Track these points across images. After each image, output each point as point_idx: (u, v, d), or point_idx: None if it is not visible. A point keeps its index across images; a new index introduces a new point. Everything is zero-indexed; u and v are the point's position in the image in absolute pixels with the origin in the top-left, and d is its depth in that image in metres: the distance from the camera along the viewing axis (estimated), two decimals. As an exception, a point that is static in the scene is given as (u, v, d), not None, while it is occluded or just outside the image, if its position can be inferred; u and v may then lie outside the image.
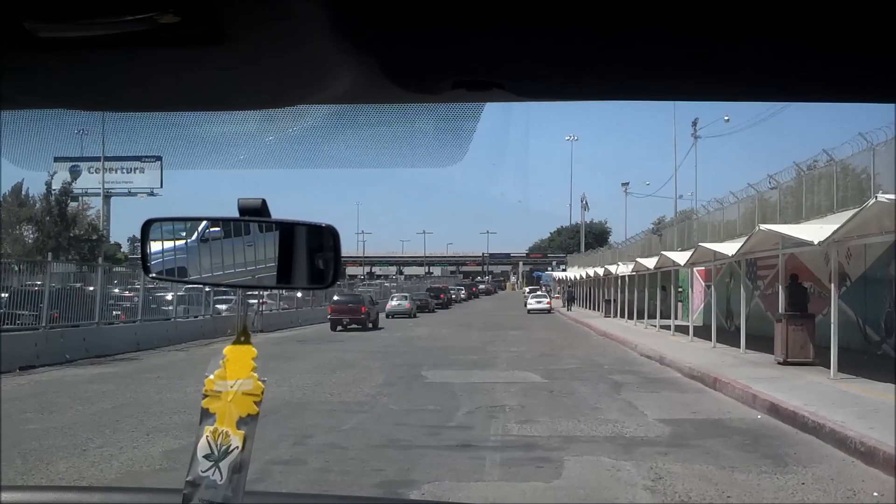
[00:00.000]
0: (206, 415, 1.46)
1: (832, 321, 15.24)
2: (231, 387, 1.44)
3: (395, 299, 54.15)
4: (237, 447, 1.43)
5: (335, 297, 40.66)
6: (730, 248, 23.64)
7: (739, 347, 21.43)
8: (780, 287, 21.47)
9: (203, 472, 1.43)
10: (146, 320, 28.14)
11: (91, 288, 28.94)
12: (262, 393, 1.45)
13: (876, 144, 21.35)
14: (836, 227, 15.30)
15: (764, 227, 19.17)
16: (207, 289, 35.14)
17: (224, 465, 1.42)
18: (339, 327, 38.87)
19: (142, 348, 25.73)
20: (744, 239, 26.77)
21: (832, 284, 15.87)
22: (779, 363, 17.62)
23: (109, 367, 20.75)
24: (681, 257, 29.30)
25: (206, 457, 1.43)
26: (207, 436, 1.44)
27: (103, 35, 1.00)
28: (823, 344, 17.53)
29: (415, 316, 52.08)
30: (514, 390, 15.52)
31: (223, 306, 37.17)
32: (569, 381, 17.09)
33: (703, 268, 32.13)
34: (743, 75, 1.19)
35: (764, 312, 28.05)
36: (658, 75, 1.19)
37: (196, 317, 33.38)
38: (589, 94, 1.33)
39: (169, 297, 32.44)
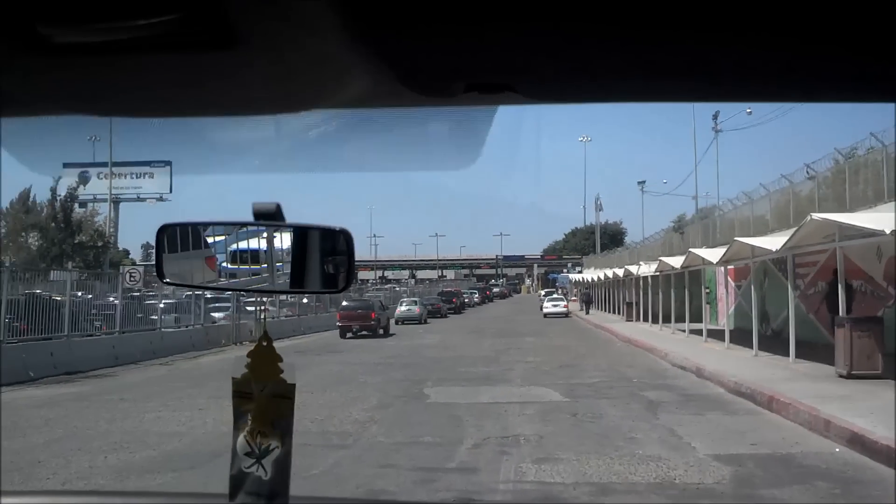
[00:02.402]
0: (239, 416, 1.45)
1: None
2: (261, 390, 1.43)
3: (404, 304, 51.35)
4: (277, 446, 1.42)
5: (343, 303, 38.64)
6: (771, 242, 21.08)
7: (786, 356, 18.84)
8: (838, 286, 19.04)
9: (246, 468, 1.42)
10: (125, 331, 25.69)
11: (89, 296, 26.91)
12: (294, 391, 1.44)
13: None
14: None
15: (817, 216, 16.59)
16: (209, 294, 33.03)
17: (267, 462, 1.42)
18: (349, 334, 36.70)
19: (121, 363, 23.35)
20: (783, 233, 24.37)
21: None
22: (841, 376, 15.03)
23: (73, 387, 18.38)
24: (712, 254, 26.72)
25: (248, 454, 1.43)
26: (245, 434, 1.43)
27: (116, 40, 0.99)
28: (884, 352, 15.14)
29: (425, 322, 49.49)
30: (530, 413, 13.08)
31: (219, 314, 34.83)
32: (594, 399, 14.63)
33: (732, 266, 29.55)
34: (760, 77, 1.19)
35: (805, 315, 25.48)
36: (668, 77, 1.19)
37: (187, 326, 30.97)
38: (601, 97, 1.30)
39: (161, 305, 30.13)
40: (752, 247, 21.62)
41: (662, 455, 9.54)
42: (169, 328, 29.50)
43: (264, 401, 1.43)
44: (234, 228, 1.64)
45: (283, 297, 34.48)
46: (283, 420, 1.43)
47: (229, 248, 1.63)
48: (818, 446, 10.03)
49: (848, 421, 10.34)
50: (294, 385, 1.43)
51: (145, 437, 11.57)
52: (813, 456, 9.45)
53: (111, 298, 27.51)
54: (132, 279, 27.47)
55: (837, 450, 9.73)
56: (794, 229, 18.18)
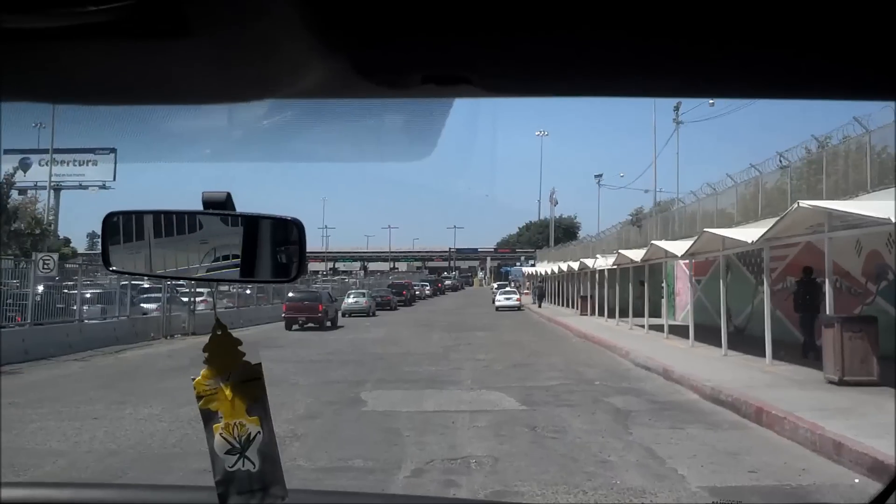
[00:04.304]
0: (209, 416, 1.38)
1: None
2: (226, 380, 1.37)
3: (351, 296, 49.76)
4: (258, 432, 1.36)
5: (290, 295, 37.16)
6: (742, 234, 19.45)
7: (758, 356, 17.33)
8: (807, 283, 17.77)
9: (231, 467, 1.35)
10: (39, 323, 23.32)
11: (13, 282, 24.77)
12: (261, 370, 1.39)
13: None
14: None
15: (805, 203, 14.89)
16: (147, 284, 31.00)
17: (252, 452, 1.35)
18: (295, 326, 35.63)
19: (31, 358, 20.96)
20: (749, 226, 22.88)
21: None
22: (832, 382, 13.36)
23: (-36, 387, 16.11)
24: (675, 247, 25.10)
25: (229, 452, 1.36)
26: (221, 433, 1.36)
27: (67, 26, 0.94)
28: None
29: (373, 314, 47.85)
30: (482, 425, 11.21)
31: (151, 305, 32.44)
32: (554, 406, 12.82)
33: (694, 260, 28.05)
34: (723, 73, 1.13)
35: (772, 311, 24.03)
36: (634, 73, 1.15)
37: (114, 317, 28.56)
38: (560, 91, 1.27)
39: (88, 294, 27.78)
40: (724, 238, 19.94)
41: (646, 487, 7.71)
42: (94, 320, 27.18)
43: (233, 389, 1.37)
44: (183, 217, 1.54)
45: (222, 287, 32.59)
46: (257, 403, 1.37)
47: (177, 237, 1.54)
48: (831, 475, 8.28)
49: (863, 443, 8.61)
50: (260, 364, 1.39)
51: (15, 456, 9.44)
52: (829, 490, 7.69)
53: (39, 287, 25.23)
54: (46, 267, 25.00)
55: (857, 480, 7.97)
56: (776, 219, 16.47)
